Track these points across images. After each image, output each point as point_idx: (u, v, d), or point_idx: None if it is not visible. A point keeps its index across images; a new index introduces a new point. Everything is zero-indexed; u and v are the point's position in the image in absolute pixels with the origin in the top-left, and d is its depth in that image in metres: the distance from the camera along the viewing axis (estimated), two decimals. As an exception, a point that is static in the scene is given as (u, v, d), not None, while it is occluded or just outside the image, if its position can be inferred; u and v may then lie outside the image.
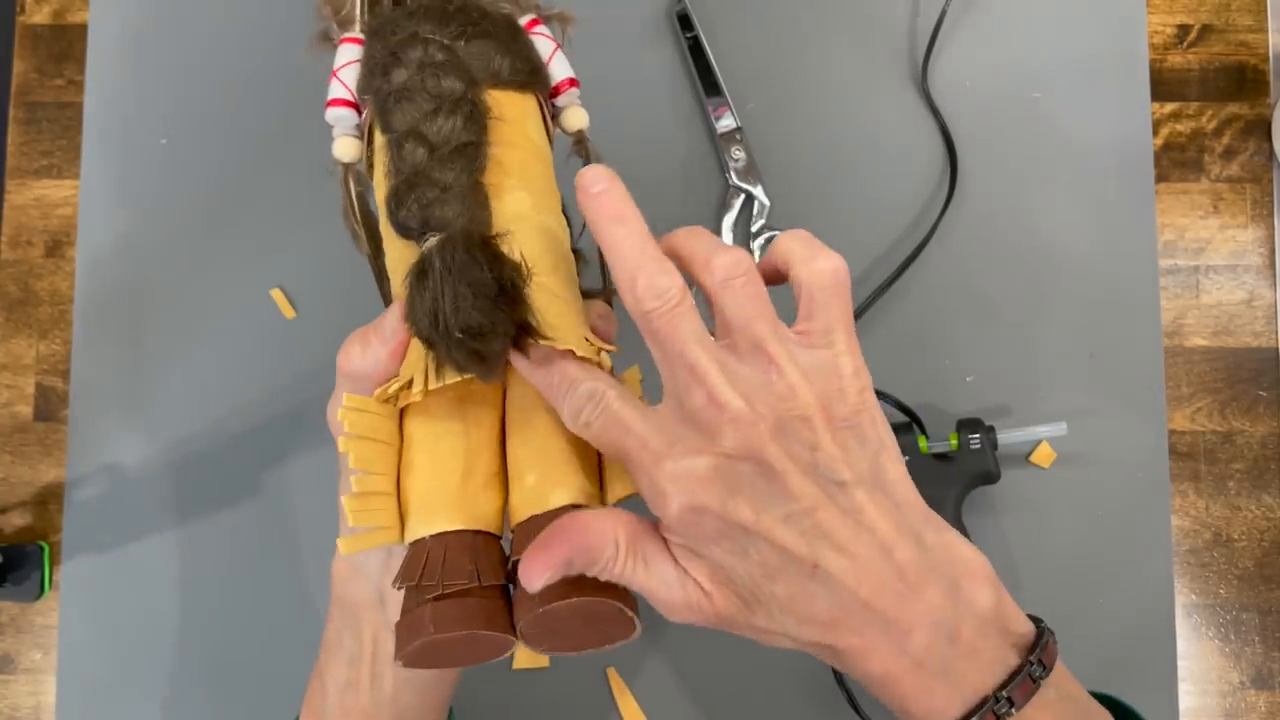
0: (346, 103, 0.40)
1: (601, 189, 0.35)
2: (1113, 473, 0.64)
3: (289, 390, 0.65)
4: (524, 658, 0.63)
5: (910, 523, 0.33)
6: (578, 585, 0.33)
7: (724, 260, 0.33)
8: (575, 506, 0.35)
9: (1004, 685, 0.33)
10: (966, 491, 0.61)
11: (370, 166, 0.41)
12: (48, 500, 0.66)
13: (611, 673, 0.63)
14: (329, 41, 0.42)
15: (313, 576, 0.64)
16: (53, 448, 0.66)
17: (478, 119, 0.37)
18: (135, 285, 0.67)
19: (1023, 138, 0.67)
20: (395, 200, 0.35)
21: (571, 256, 0.40)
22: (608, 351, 0.36)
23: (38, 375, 0.67)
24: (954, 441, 0.61)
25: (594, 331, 0.37)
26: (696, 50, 0.67)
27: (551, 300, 0.36)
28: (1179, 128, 0.68)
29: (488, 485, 0.36)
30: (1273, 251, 0.67)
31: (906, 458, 0.59)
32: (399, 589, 0.34)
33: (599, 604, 0.33)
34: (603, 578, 0.33)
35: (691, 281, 0.34)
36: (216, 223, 0.67)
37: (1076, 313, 0.66)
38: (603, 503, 0.36)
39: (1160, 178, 0.68)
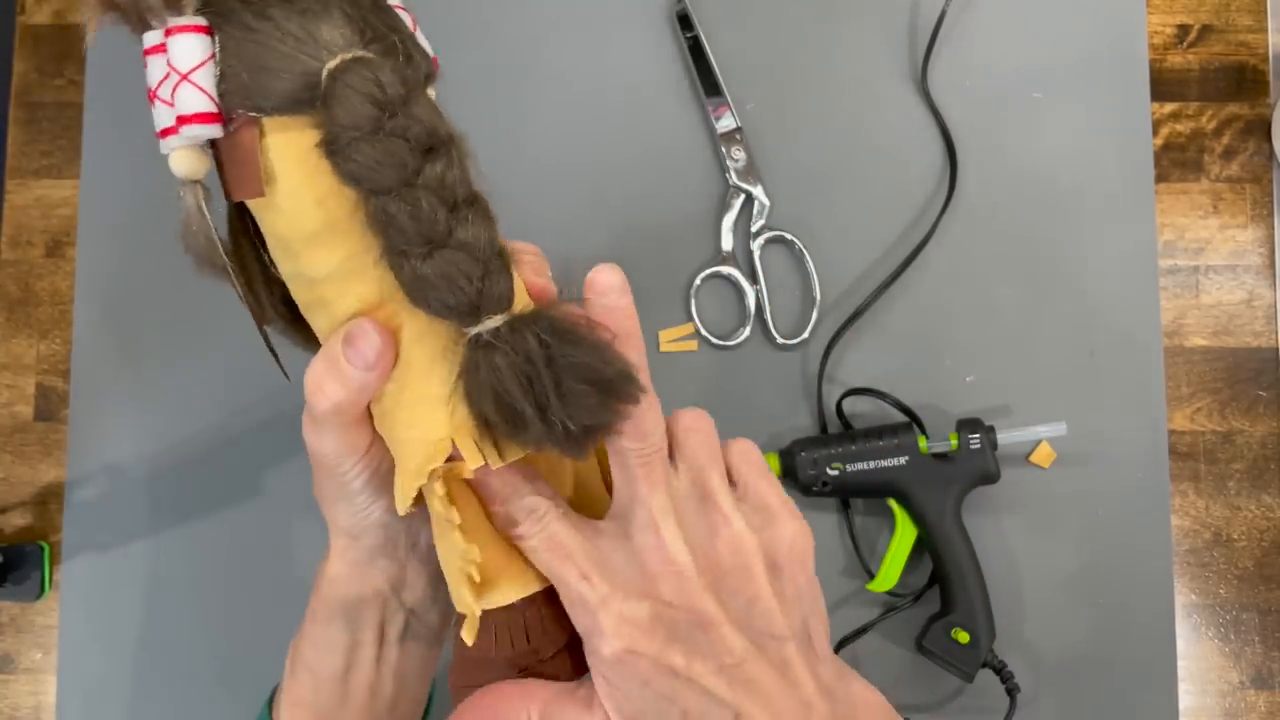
0: (211, 117, 0.31)
1: (613, 303, 0.34)
2: (1113, 473, 0.64)
3: (289, 390, 0.65)
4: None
5: (826, 677, 0.34)
6: None
7: (689, 413, 0.35)
8: None
9: None
10: (966, 491, 0.61)
11: (239, 199, 0.33)
12: (48, 500, 0.66)
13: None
14: (135, 17, 0.31)
15: (311, 576, 0.64)
16: (53, 448, 0.66)
17: (463, 158, 0.30)
18: (135, 285, 0.67)
19: (1023, 138, 0.67)
20: (445, 281, 0.29)
21: None
22: None
23: (38, 375, 0.67)
24: (954, 441, 0.61)
25: None
26: (696, 50, 0.67)
27: None
28: (1179, 128, 0.68)
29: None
30: (1272, 251, 0.67)
31: (906, 458, 0.60)
32: (501, 657, 0.33)
33: None
34: None
35: None
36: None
37: (1076, 313, 0.66)
38: None
39: (1160, 178, 0.68)
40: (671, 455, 0.34)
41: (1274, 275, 0.67)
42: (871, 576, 0.62)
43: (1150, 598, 0.63)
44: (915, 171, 0.67)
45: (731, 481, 0.35)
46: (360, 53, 0.29)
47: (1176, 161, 0.68)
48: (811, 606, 0.34)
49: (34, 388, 0.67)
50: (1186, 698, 0.63)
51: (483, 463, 0.31)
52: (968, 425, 0.61)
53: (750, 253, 0.66)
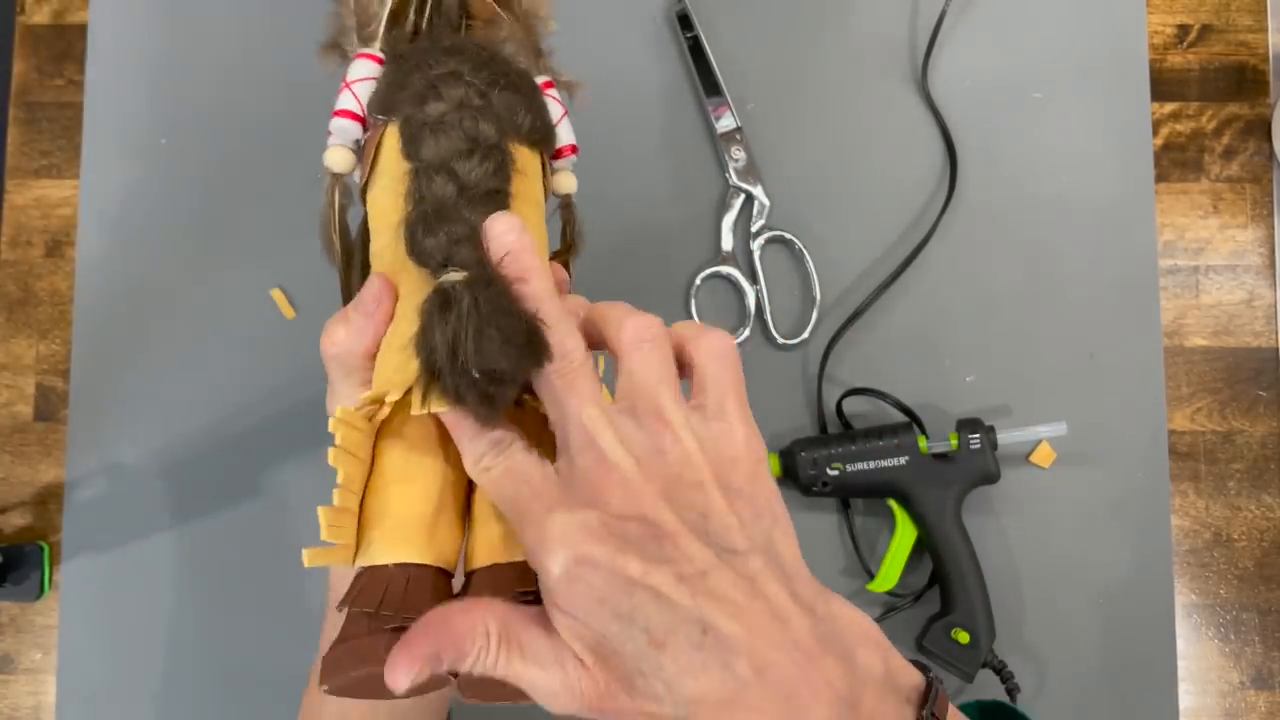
0: (355, 116, 0.40)
1: (512, 242, 0.34)
2: (1113, 473, 0.64)
3: (289, 390, 0.65)
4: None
5: (803, 594, 0.31)
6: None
7: (637, 323, 0.33)
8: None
9: None
10: (966, 491, 0.61)
11: (365, 184, 0.40)
12: (48, 500, 0.66)
13: (611, 673, 0.63)
14: (338, 51, 0.43)
15: (312, 576, 0.64)
16: (53, 448, 0.66)
17: (505, 169, 0.38)
18: (135, 285, 0.67)
19: (1023, 138, 0.67)
20: (424, 227, 0.35)
21: None
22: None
23: (38, 375, 0.67)
24: (954, 441, 0.61)
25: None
26: (696, 50, 0.67)
27: None
28: (1179, 128, 0.68)
29: (454, 523, 0.36)
30: (1272, 251, 0.67)
31: (906, 458, 0.60)
32: (344, 610, 0.33)
33: None
34: (476, 672, 0.30)
35: (601, 347, 0.34)
36: (216, 223, 0.67)
37: (1076, 313, 0.66)
38: None
39: (1160, 178, 0.68)
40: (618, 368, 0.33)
41: (1274, 275, 0.67)
42: (871, 576, 0.62)
43: (1150, 598, 0.63)
44: (915, 171, 0.67)
45: (691, 377, 0.33)
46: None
47: (1176, 161, 0.68)
48: (774, 521, 0.32)
49: (34, 388, 0.67)
50: (1186, 698, 0.63)
51: (422, 409, 0.33)
52: (968, 425, 0.61)
53: (750, 253, 0.66)
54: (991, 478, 0.61)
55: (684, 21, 0.67)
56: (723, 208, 0.66)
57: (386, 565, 0.34)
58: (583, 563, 0.29)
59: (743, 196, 0.66)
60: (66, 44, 0.69)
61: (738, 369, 0.33)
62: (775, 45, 0.68)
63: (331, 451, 0.33)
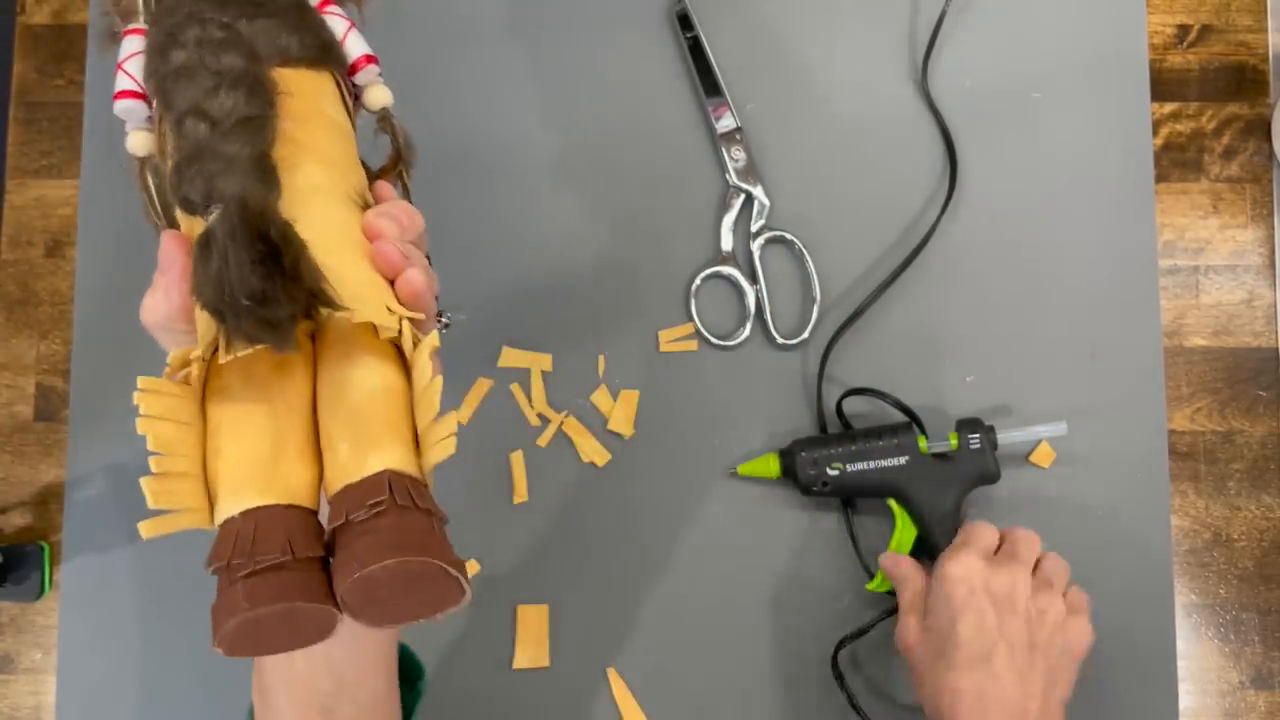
0: (134, 94, 0.39)
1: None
2: (1113, 473, 0.64)
3: (289, 390, 0.65)
4: (524, 657, 0.63)
5: (1052, 701, 0.53)
6: (396, 546, 0.31)
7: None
8: (392, 472, 0.33)
9: None
10: (966, 491, 0.61)
11: (164, 156, 0.39)
12: (48, 500, 0.66)
13: (612, 673, 0.63)
14: (114, 39, 0.41)
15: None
16: (53, 448, 0.66)
17: (261, 93, 0.37)
18: (135, 285, 0.66)
19: (1023, 138, 0.67)
20: (178, 175, 0.35)
21: None
22: (413, 317, 0.36)
23: (38, 375, 0.67)
24: (954, 441, 0.61)
25: (380, 236, 0.38)
26: (696, 50, 0.67)
27: (354, 271, 0.36)
28: (1179, 128, 0.68)
29: (300, 459, 0.35)
30: (1272, 251, 0.67)
31: (906, 458, 0.60)
32: (211, 573, 0.33)
33: (420, 564, 0.31)
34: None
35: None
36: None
37: (1076, 313, 0.66)
38: (420, 468, 0.35)
39: (1160, 178, 0.68)
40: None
41: (1274, 275, 0.67)
42: (871, 576, 0.62)
43: (1150, 598, 0.63)
44: (915, 171, 0.67)
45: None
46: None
47: (1176, 161, 0.68)
48: (1063, 672, 0.53)
49: (34, 388, 0.67)
50: (1186, 698, 0.63)
51: (228, 355, 0.33)
52: (968, 425, 0.61)
53: (750, 253, 0.66)
54: (991, 478, 0.61)
55: (684, 21, 0.67)
56: (723, 208, 0.66)
57: (234, 516, 0.33)
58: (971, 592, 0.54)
59: (743, 196, 0.66)
60: (67, 44, 0.69)
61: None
62: (775, 45, 0.68)
63: (139, 421, 0.33)
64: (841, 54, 0.68)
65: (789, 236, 0.66)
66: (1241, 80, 0.69)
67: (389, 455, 0.34)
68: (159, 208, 0.41)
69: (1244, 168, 0.68)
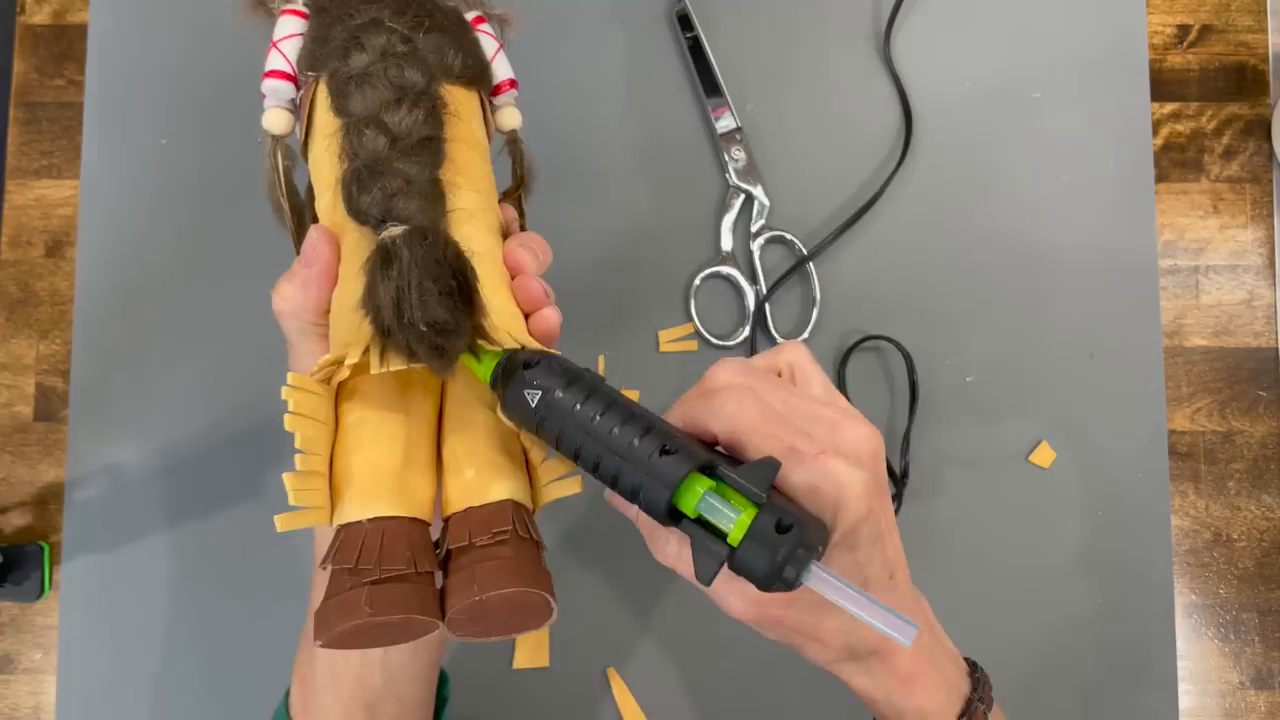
0: (286, 75, 0.40)
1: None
2: (1113, 473, 0.64)
3: (289, 390, 0.65)
4: (524, 657, 0.63)
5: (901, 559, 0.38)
6: (516, 575, 0.33)
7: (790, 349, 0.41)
8: (514, 502, 0.36)
9: (973, 689, 0.39)
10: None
11: (304, 143, 0.40)
12: (48, 500, 0.66)
13: (611, 673, 0.63)
14: (264, 9, 0.42)
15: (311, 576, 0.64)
16: (53, 448, 0.66)
17: (437, 114, 0.37)
18: (135, 285, 0.67)
19: (1023, 138, 0.67)
20: (357, 185, 0.35)
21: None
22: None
23: (38, 375, 0.67)
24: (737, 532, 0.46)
25: (522, 270, 0.39)
26: (696, 50, 0.67)
27: (499, 302, 0.37)
28: (1179, 128, 0.68)
29: (424, 474, 0.37)
30: (1272, 251, 0.67)
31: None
32: (328, 569, 0.34)
33: (532, 595, 0.34)
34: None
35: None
36: (216, 223, 0.67)
37: (1076, 313, 0.66)
38: (534, 503, 0.37)
39: (1160, 178, 0.68)
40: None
41: (1274, 275, 0.67)
42: None
43: (1150, 598, 0.64)
44: (915, 171, 0.67)
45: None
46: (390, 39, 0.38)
47: (1176, 161, 0.68)
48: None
49: (34, 388, 0.67)
50: (1186, 698, 0.63)
51: (381, 368, 0.34)
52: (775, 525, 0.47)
53: (750, 253, 0.66)
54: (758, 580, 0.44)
55: (684, 21, 0.67)
56: (723, 208, 0.66)
57: (361, 521, 0.35)
58: (871, 513, 0.35)
59: (743, 196, 0.66)
60: (67, 44, 0.69)
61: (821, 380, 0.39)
62: (775, 45, 0.68)
63: (287, 418, 0.34)
64: (841, 55, 0.68)
65: (789, 237, 0.66)
66: (1241, 80, 0.69)
67: (511, 485, 0.36)
68: (285, 187, 0.41)
69: (1244, 168, 0.68)
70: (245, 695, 0.64)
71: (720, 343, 0.65)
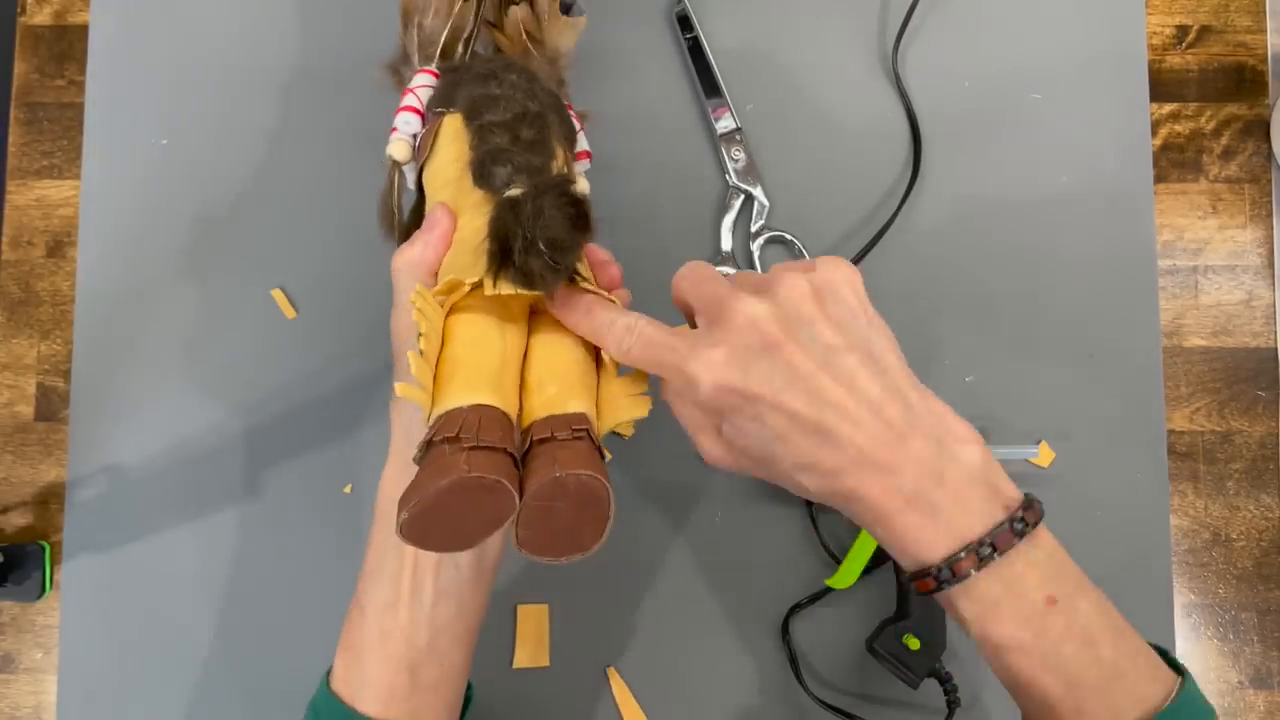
0: (416, 111, 0.50)
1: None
2: (1112, 472, 0.64)
3: (289, 390, 0.66)
4: (524, 657, 0.63)
5: (897, 386, 0.40)
6: (589, 463, 0.39)
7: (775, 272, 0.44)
8: (587, 415, 0.43)
9: (988, 532, 0.39)
10: None
11: (422, 165, 0.49)
12: (48, 500, 0.66)
13: (611, 673, 0.63)
14: (396, 74, 0.53)
15: (312, 575, 0.64)
16: (54, 448, 0.66)
17: (547, 131, 0.47)
18: (135, 285, 0.67)
19: (1022, 138, 0.67)
20: (491, 159, 0.45)
21: None
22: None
23: (39, 375, 0.67)
24: None
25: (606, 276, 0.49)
26: (696, 50, 0.67)
27: (587, 273, 0.47)
28: (1178, 128, 0.68)
29: (513, 385, 0.43)
30: (1271, 252, 0.67)
31: None
32: (427, 442, 0.39)
33: (600, 484, 0.39)
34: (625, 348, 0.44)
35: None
36: (216, 223, 0.67)
37: (1075, 313, 0.66)
38: (598, 431, 0.44)
39: (1159, 178, 0.68)
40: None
41: (1273, 275, 0.67)
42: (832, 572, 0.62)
43: (1150, 598, 0.64)
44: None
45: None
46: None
47: (1175, 162, 0.68)
48: (869, 325, 0.41)
49: (34, 388, 0.67)
50: (1185, 697, 0.63)
51: (494, 290, 0.42)
52: None
53: (750, 253, 0.66)
54: None
55: (684, 22, 0.68)
56: (723, 208, 0.66)
57: (462, 406, 0.40)
58: (720, 388, 0.40)
59: (743, 197, 0.66)
60: (67, 44, 0.69)
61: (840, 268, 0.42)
62: (775, 46, 0.69)
63: (414, 313, 0.40)
64: (841, 55, 0.68)
65: (789, 236, 0.66)
66: (1240, 81, 0.69)
67: (585, 403, 0.43)
68: (397, 203, 0.51)
69: (1243, 168, 0.68)
70: (245, 694, 0.64)
71: (720, 343, 0.65)
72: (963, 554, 0.39)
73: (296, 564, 0.64)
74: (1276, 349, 0.66)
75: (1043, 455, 0.64)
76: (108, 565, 0.64)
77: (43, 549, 0.65)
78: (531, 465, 0.40)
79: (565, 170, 0.50)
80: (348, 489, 0.65)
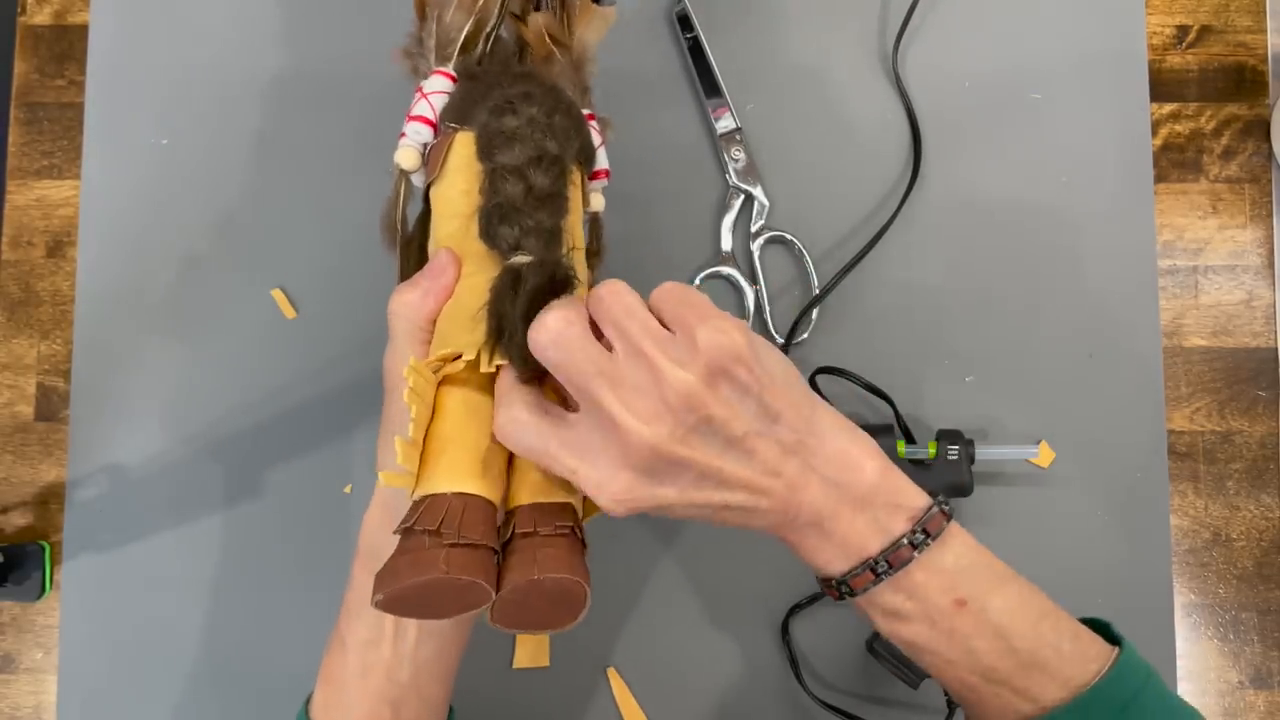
0: (429, 122, 0.47)
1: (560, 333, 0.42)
2: (1113, 473, 0.64)
3: (289, 390, 0.66)
4: (524, 657, 0.63)
5: (795, 431, 0.40)
6: (570, 566, 0.39)
7: (605, 287, 0.40)
8: (572, 505, 0.42)
9: (883, 550, 0.41)
10: None
11: (430, 181, 0.47)
12: (49, 500, 0.66)
13: (612, 673, 0.63)
14: (411, 61, 0.50)
15: (312, 575, 0.64)
16: (54, 448, 0.66)
17: (564, 179, 0.45)
18: (135, 285, 0.67)
19: (1022, 138, 0.67)
20: (499, 216, 0.43)
21: None
22: None
23: (39, 375, 0.67)
24: (932, 450, 0.60)
25: None
26: (696, 50, 0.67)
27: None
28: (1178, 128, 0.68)
29: (500, 468, 0.42)
30: (1271, 252, 0.67)
31: None
32: (407, 528, 0.38)
33: (578, 586, 0.39)
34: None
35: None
36: (216, 223, 0.67)
37: (1075, 312, 0.66)
38: (583, 514, 0.43)
39: (1159, 178, 0.68)
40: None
41: (1273, 275, 0.67)
42: None
43: (1150, 598, 0.64)
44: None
45: (665, 326, 0.39)
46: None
47: (1175, 162, 0.68)
48: (760, 385, 0.39)
49: (35, 388, 0.67)
50: (1185, 697, 0.63)
51: (489, 367, 0.41)
52: (947, 436, 0.61)
53: (750, 253, 0.66)
54: (965, 490, 0.60)
55: (684, 22, 0.68)
56: (723, 208, 0.66)
57: (446, 493, 0.39)
58: (632, 507, 0.39)
59: (742, 197, 0.66)
60: (67, 44, 0.69)
61: (682, 296, 0.40)
62: (775, 45, 0.69)
63: (406, 393, 0.39)
64: (841, 55, 0.68)
65: (789, 236, 0.66)
66: (1241, 81, 0.69)
67: (571, 494, 0.42)
68: (401, 214, 0.49)
69: (1243, 168, 0.68)
70: (245, 694, 0.64)
71: (720, 343, 0.65)
72: (859, 570, 0.41)
73: (296, 564, 0.64)
74: (1277, 349, 0.66)
75: (1043, 455, 0.64)
76: (108, 565, 0.64)
77: (43, 549, 0.65)
78: (511, 560, 0.39)
79: (580, 202, 0.48)
80: (348, 489, 0.65)
